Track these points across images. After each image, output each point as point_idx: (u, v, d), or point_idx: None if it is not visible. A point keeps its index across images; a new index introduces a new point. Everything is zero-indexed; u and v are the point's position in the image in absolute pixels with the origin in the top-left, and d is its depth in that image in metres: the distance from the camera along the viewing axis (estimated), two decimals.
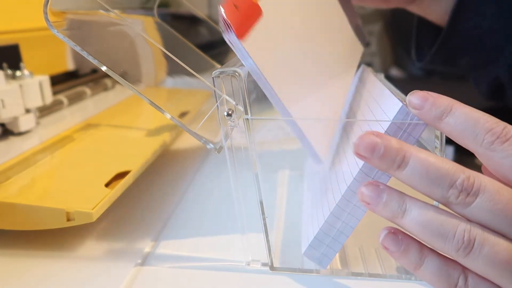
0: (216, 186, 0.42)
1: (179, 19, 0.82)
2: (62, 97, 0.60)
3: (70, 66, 0.68)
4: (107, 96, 0.71)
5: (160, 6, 0.53)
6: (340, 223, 0.26)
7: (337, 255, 0.30)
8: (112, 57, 0.31)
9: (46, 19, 0.26)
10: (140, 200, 0.39)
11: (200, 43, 0.55)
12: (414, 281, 0.27)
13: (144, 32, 0.50)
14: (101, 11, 0.32)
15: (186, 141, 0.54)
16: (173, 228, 0.34)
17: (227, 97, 0.25)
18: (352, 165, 0.26)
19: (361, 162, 0.24)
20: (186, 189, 0.41)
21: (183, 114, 0.46)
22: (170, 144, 0.50)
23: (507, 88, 0.47)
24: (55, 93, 0.58)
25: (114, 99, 0.67)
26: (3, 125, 0.48)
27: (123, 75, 0.27)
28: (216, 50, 0.78)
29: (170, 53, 0.28)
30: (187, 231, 0.34)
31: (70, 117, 0.58)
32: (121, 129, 0.50)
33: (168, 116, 0.27)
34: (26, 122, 0.49)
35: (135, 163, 0.38)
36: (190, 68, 0.27)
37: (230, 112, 0.25)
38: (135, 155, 0.41)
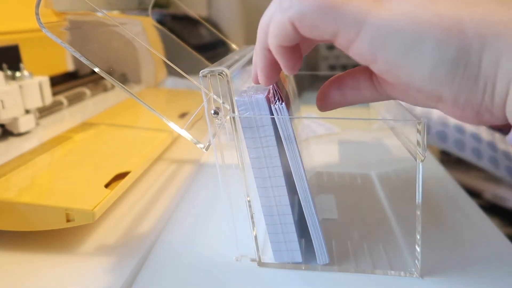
0: (217, 184, 0.42)
1: (178, 20, 0.82)
2: (61, 97, 0.60)
3: (70, 67, 0.68)
4: (107, 96, 0.71)
5: (160, 7, 0.53)
6: (277, 217, 0.27)
7: (326, 250, 0.30)
8: (105, 58, 0.31)
9: (38, 19, 0.27)
10: (140, 200, 0.39)
11: (199, 44, 0.55)
12: (414, 278, 0.27)
13: (141, 33, 0.51)
14: (97, 13, 0.32)
15: (186, 141, 0.54)
16: (173, 228, 0.34)
17: (214, 96, 0.26)
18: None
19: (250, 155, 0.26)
20: (186, 189, 0.41)
21: (183, 115, 0.46)
22: (170, 144, 0.50)
23: None
24: (54, 93, 0.58)
25: (114, 99, 0.67)
26: (2, 125, 0.48)
27: (113, 74, 0.27)
28: (215, 51, 0.78)
29: (164, 54, 0.28)
30: (187, 230, 0.34)
31: (70, 117, 0.58)
32: (121, 129, 0.50)
33: (155, 113, 0.27)
34: (25, 122, 0.49)
35: (135, 164, 0.38)
36: (184, 69, 0.28)
37: (217, 111, 0.26)
38: (135, 155, 0.41)
